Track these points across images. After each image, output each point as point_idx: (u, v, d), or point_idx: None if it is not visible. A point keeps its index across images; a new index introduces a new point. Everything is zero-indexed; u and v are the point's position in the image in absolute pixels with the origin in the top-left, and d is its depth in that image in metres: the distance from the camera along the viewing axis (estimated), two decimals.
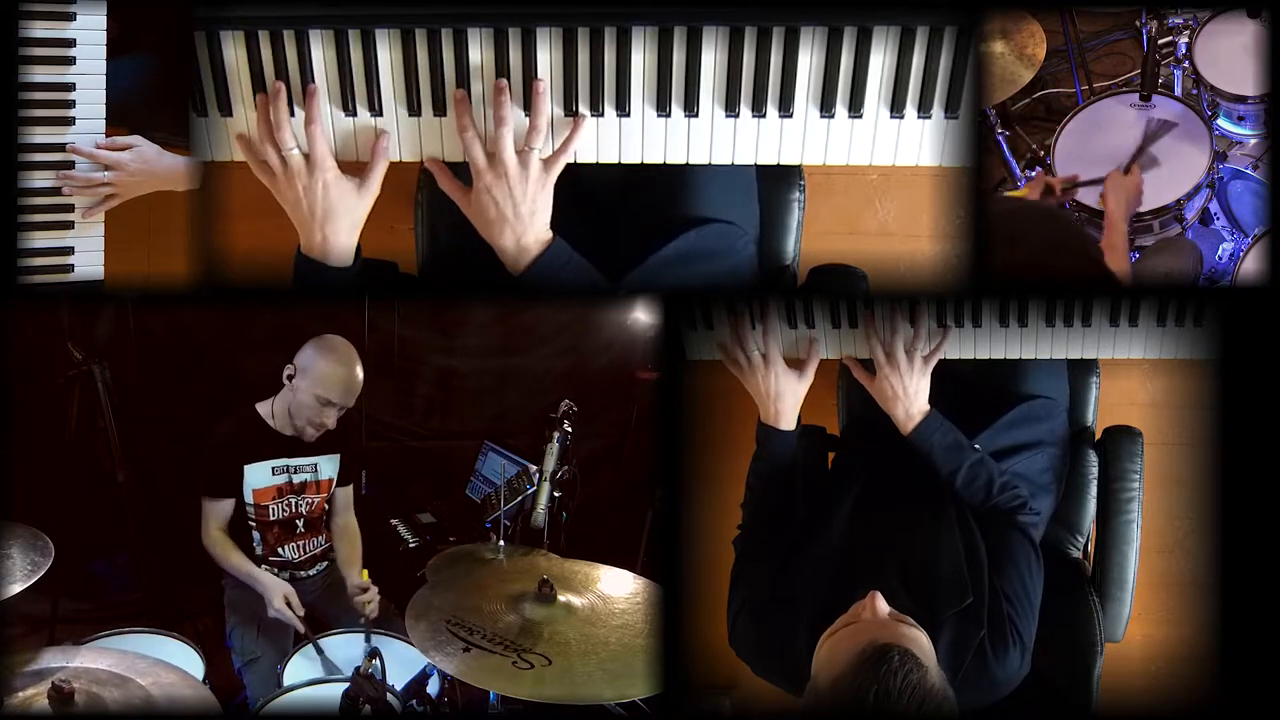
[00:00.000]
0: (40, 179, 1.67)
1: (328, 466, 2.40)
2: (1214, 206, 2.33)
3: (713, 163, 1.49)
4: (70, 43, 1.66)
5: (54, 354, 2.56)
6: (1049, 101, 2.70)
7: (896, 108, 1.46)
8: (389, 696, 1.78)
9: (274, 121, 1.43)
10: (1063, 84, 2.67)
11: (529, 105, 1.44)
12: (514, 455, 2.88)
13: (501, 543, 2.53)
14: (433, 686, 1.96)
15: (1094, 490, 2.01)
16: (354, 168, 1.48)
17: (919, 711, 1.23)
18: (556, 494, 2.61)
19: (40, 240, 1.68)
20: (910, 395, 1.74)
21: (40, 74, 1.65)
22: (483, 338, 3.32)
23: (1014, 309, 1.77)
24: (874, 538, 1.69)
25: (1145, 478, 1.99)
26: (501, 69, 1.43)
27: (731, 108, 1.46)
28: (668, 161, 1.49)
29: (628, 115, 1.47)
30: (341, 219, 1.47)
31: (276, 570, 2.31)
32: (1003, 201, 2.15)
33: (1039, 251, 1.63)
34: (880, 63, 1.44)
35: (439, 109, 1.46)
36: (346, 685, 1.74)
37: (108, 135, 1.70)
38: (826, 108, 1.46)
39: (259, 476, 2.30)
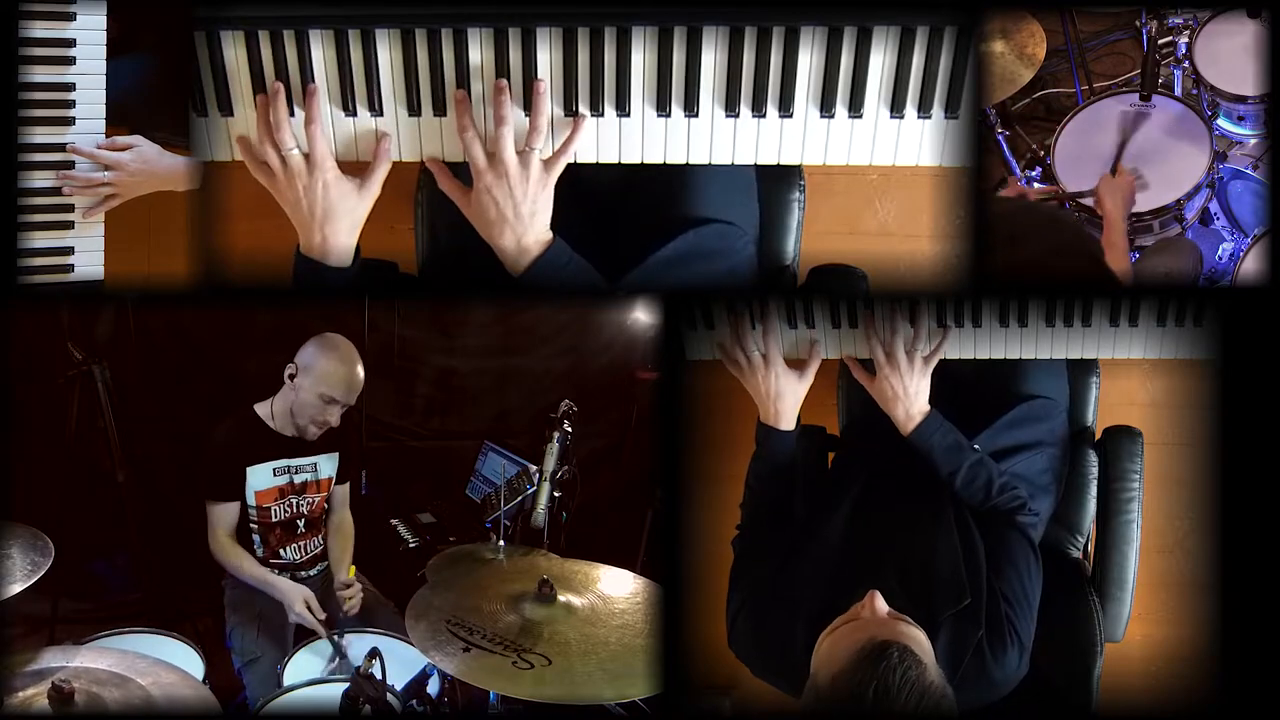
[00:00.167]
0: (40, 179, 1.67)
1: (327, 465, 2.40)
2: (1214, 206, 2.33)
3: (713, 163, 1.49)
4: (70, 43, 1.66)
5: (54, 354, 2.56)
6: (1049, 101, 2.70)
7: (896, 108, 1.46)
8: (389, 696, 1.78)
9: (274, 122, 1.43)
10: (1063, 84, 2.67)
11: (529, 105, 1.44)
12: (514, 455, 2.88)
13: (501, 543, 2.53)
14: (433, 686, 1.96)
15: (1094, 490, 2.01)
16: (354, 168, 1.48)
17: (918, 707, 1.23)
18: (556, 494, 2.61)
19: (40, 240, 1.68)
20: (910, 396, 1.74)
21: (40, 74, 1.65)
22: (483, 338, 3.32)
23: (1014, 309, 1.77)
24: (873, 538, 1.69)
25: (1145, 478, 1.99)
26: (501, 69, 1.43)
27: (731, 108, 1.46)
28: (668, 161, 1.49)
29: (628, 115, 1.46)
30: (341, 219, 1.47)
31: (278, 572, 2.31)
32: (1002, 202, 2.15)
33: (1040, 253, 1.63)
34: (880, 63, 1.44)
35: (439, 109, 1.46)
36: (346, 685, 1.74)
37: (108, 135, 1.70)
38: (826, 108, 1.46)
39: (261, 478, 2.30)
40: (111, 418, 2.54)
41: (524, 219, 1.46)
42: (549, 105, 1.45)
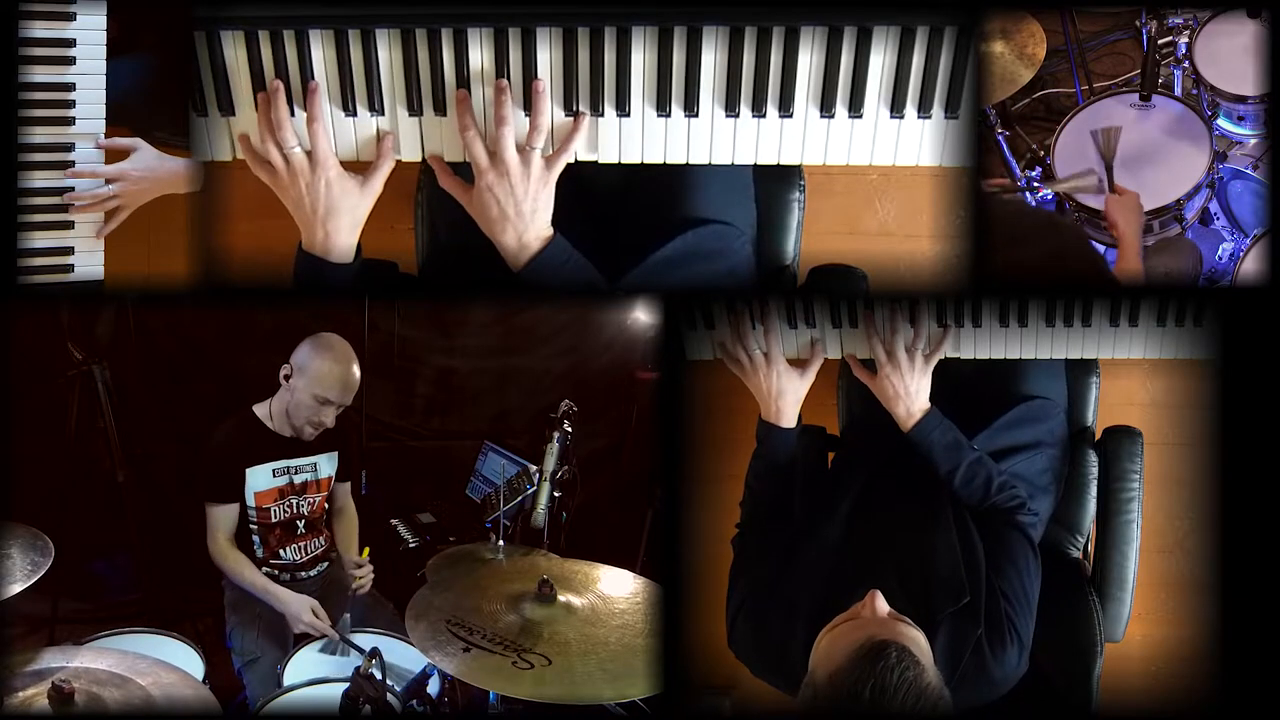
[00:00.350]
0: (40, 179, 1.67)
1: (327, 465, 2.40)
2: (1214, 206, 2.33)
3: (713, 163, 1.49)
4: (70, 43, 1.66)
5: (54, 354, 2.56)
6: (1049, 101, 2.70)
7: (896, 108, 1.46)
8: (389, 696, 1.78)
9: (275, 120, 1.43)
10: (1063, 84, 2.68)
11: (529, 105, 1.44)
12: (514, 455, 2.88)
13: (501, 543, 2.53)
14: (433, 686, 1.96)
15: (1094, 490, 2.01)
16: (354, 167, 1.48)
17: (914, 708, 1.23)
18: (556, 494, 2.61)
19: (40, 240, 1.68)
20: (912, 394, 1.74)
21: (40, 74, 1.65)
22: (483, 338, 3.32)
23: (1014, 309, 1.77)
24: (873, 537, 1.69)
25: (1145, 478, 1.99)
26: (501, 69, 1.43)
27: (731, 108, 1.46)
28: (668, 161, 1.49)
29: (628, 115, 1.47)
30: (343, 216, 1.48)
31: (278, 573, 2.31)
32: (1001, 203, 2.15)
33: (1040, 256, 1.63)
34: (880, 63, 1.44)
35: (439, 109, 1.46)
36: (346, 685, 1.74)
37: (108, 135, 1.70)
38: (826, 108, 1.46)
39: (260, 479, 2.30)
40: (111, 418, 2.54)
41: (525, 216, 1.46)
42: (549, 105, 1.45)
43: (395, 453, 3.24)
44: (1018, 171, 2.49)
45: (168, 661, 1.76)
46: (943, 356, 1.76)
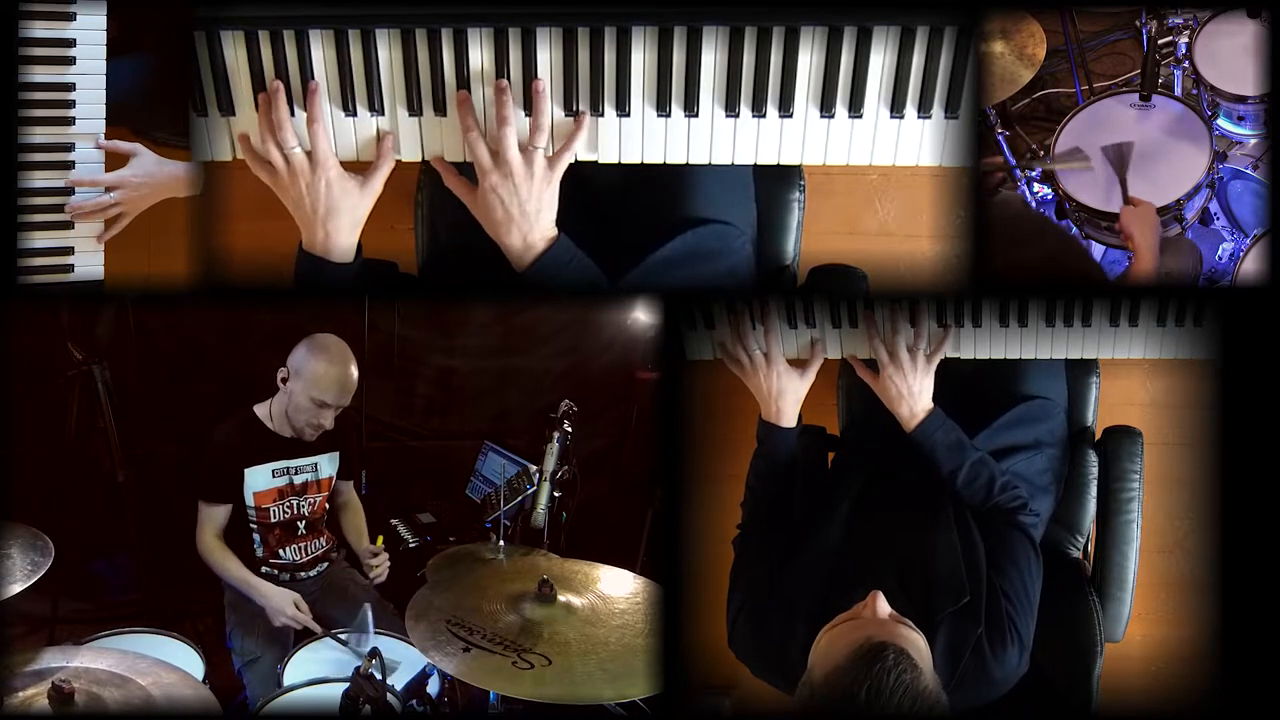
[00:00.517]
0: (40, 179, 1.67)
1: (327, 465, 2.40)
2: (1214, 206, 2.33)
3: (713, 163, 1.49)
4: (70, 43, 1.66)
5: (54, 354, 2.56)
6: (1049, 101, 2.70)
7: (896, 108, 1.46)
8: (389, 696, 1.78)
9: (275, 120, 1.43)
10: (1063, 84, 2.68)
11: (529, 105, 1.44)
12: (514, 455, 2.88)
13: (501, 543, 2.53)
14: (433, 686, 1.96)
15: (1094, 490, 2.01)
16: (354, 167, 1.48)
17: (910, 711, 1.23)
18: (556, 494, 2.61)
19: (40, 240, 1.68)
20: (915, 394, 1.74)
21: (40, 74, 1.65)
22: (483, 338, 3.32)
23: (1014, 309, 1.77)
24: (873, 537, 1.69)
25: (1145, 478, 1.99)
26: (501, 69, 1.43)
27: (731, 108, 1.46)
28: (668, 161, 1.49)
29: (628, 115, 1.46)
30: (343, 216, 1.48)
31: (277, 573, 2.31)
32: (999, 204, 2.15)
33: (1035, 259, 1.64)
34: (880, 63, 1.44)
35: (439, 109, 1.46)
36: (346, 685, 1.74)
37: (108, 136, 1.70)
38: (826, 108, 1.46)
39: (260, 479, 2.29)
40: (111, 418, 2.54)
41: (529, 216, 1.46)
42: (549, 105, 1.45)
43: (395, 453, 3.24)
44: (1018, 172, 2.49)
45: (168, 661, 1.76)
46: (944, 356, 1.76)
